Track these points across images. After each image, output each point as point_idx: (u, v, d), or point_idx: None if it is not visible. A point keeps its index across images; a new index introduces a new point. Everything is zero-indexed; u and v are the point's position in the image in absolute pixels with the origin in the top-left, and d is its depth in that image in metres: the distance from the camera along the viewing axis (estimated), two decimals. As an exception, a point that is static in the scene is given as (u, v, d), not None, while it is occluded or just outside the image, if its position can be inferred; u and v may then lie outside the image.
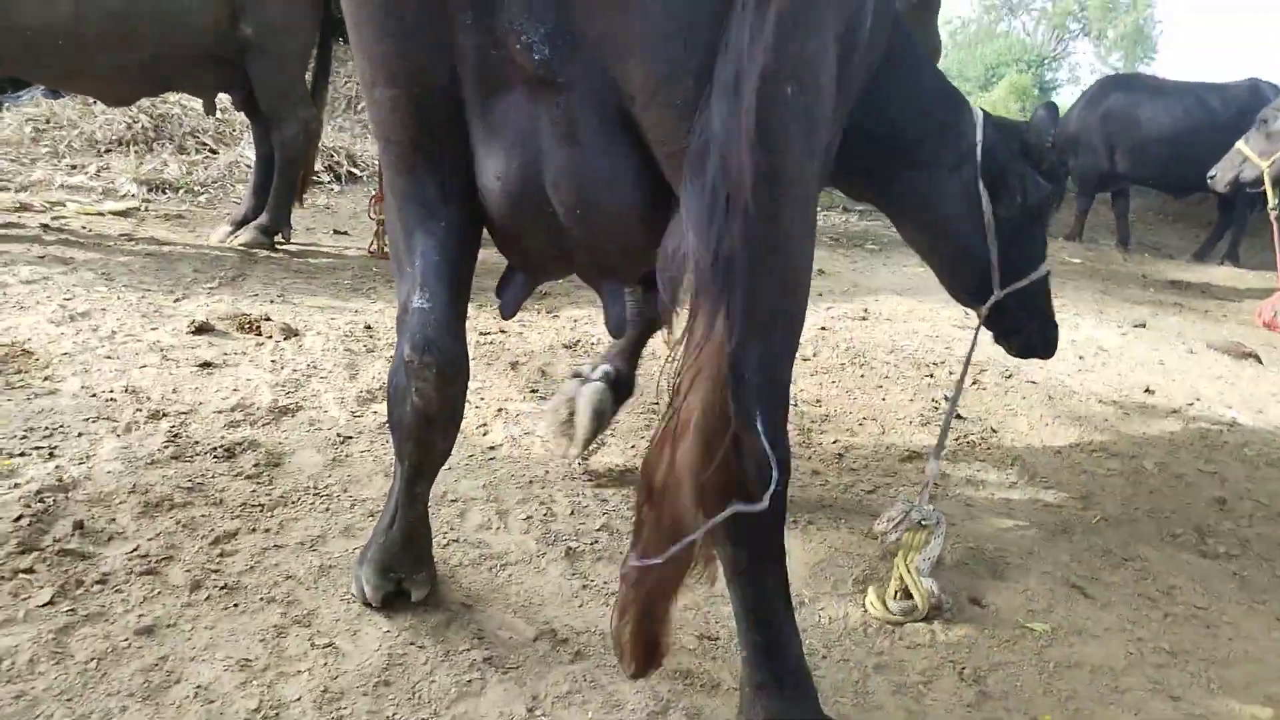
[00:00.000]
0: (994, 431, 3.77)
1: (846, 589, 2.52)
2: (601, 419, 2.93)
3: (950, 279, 3.41)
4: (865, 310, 5.68)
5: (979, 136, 3.15)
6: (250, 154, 6.90)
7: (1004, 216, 3.19)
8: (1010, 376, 4.54)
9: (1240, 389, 4.87)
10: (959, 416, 3.92)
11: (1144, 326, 6.14)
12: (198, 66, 5.39)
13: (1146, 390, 4.56)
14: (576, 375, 3.08)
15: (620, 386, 3.00)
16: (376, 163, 7.66)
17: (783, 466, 1.54)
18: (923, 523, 2.58)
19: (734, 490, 1.43)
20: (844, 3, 1.70)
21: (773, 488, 1.48)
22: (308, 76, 6.00)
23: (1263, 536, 3.11)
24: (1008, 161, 3.18)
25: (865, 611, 2.41)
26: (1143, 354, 5.35)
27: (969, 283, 3.32)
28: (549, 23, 1.48)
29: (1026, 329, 3.38)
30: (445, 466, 2.79)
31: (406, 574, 2.13)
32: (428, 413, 1.84)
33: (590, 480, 2.92)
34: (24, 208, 5.74)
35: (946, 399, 3.96)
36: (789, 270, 1.60)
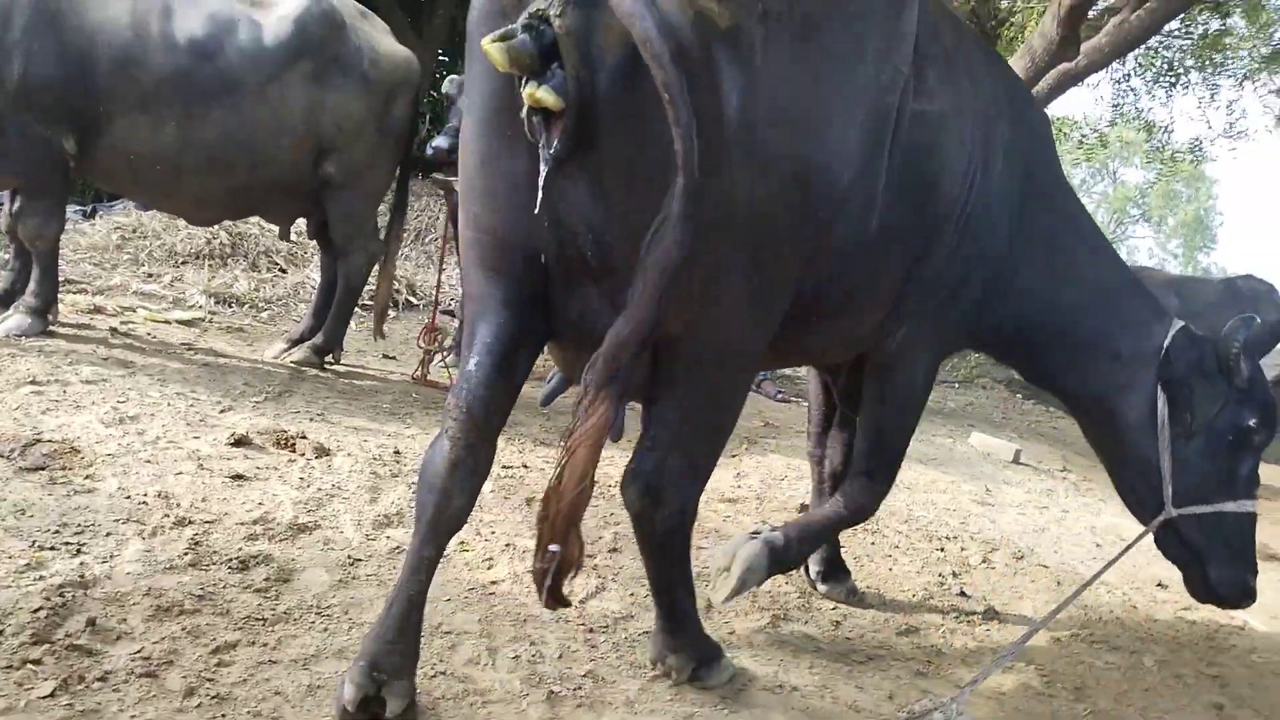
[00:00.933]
0: (996, 613, 3.76)
1: (821, 761, 2.53)
2: (750, 577, 2.97)
3: (1117, 481, 3.38)
4: (886, 477, 5.73)
5: (1166, 341, 3.15)
6: (316, 276, 7.32)
7: (1183, 430, 3.11)
8: (1022, 559, 4.54)
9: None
10: (963, 594, 3.93)
11: (1170, 518, 6.07)
12: (280, 197, 5.83)
13: (1159, 584, 4.51)
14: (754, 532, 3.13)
15: (781, 557, 3.03)
16: (431, 293, 8.02)
17: (685, 514, 2.54)
18: None
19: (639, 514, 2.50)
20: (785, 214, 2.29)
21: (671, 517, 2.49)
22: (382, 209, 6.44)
23: (1260, 749, 3.05)
24: (1192, 372, 3.12)
25: (835, 786, 2.42)
26: (1164, 546, 5.28)
27: (1135, 491, 3.29)
28: (594, 232, 2.13)
29: (1203, 564, 3.20)
30: (445, 597, 2.93)
31: (389, 677, 2.19)
32: (451, 456, 2.20)
33: (584, 625, 2.99)
34: (97, 310, 6.14)
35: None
36: (713, 407, 2.48)
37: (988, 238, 3.06)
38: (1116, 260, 3.45)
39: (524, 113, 2.00)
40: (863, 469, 3.21)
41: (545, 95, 1.92)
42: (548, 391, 3.15)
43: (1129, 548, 3.28)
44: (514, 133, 2.07)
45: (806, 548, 3.20)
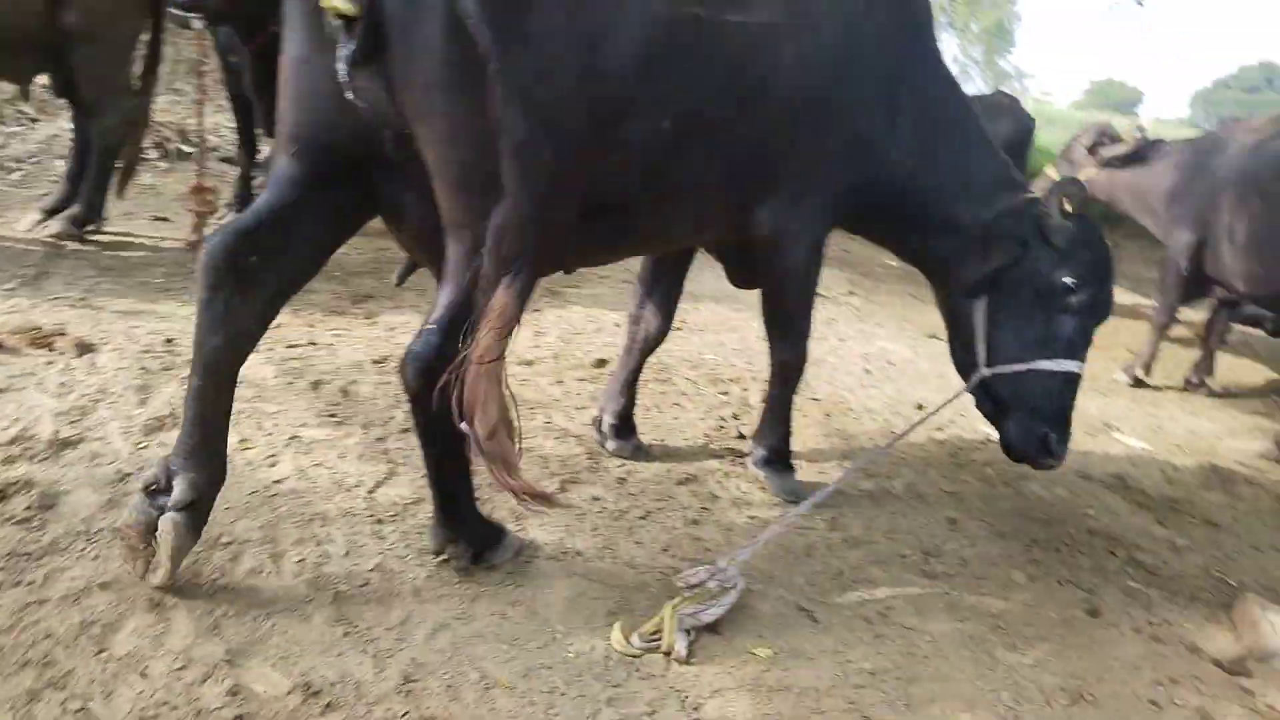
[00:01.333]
0: (768, 452, 4.09)
1: (599, 622, 2.75)
2: (795, 497, 3.66)
3: (950, 346, 3.64)
4: (683, 321, 5.92)
5: (1005, 206, 3.36)
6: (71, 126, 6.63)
7: (1002, 292, 3.31)
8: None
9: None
10: (741, 436, 4.24)
11: (936, 337, 6.60)
12: (12, 53, 5.17)
13: (918, 406, 4.99)
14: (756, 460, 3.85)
15: (778, 459, 3.84)
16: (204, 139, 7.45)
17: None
18: (722, 585, 2.86)
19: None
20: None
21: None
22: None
23: (981, 556, 3.54)
24: (1013, 236, 3.29)
25: (609, 644, 2.65)
26: (927, 368, 5.81)
27: (959, 353, 3.54)
28: (391, 129, 2.41)
29: (1012, 421, 3.37)
30: (225, 505, 2.92)
31: (178, 468, 2.49)
32: (201, 285, 2.46)
33: (372, 516, 3.07)
34: None
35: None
36: None
37: (858, 126, 3.30)
38: (979, 137, 3.63)
39: (325, 19, 2.27)
40: (775, 335, 3.64)
41: (341, 3, 2.22)
42: (401, 270, 3.34)
43: (942, 406, 3.62)
44: (321, 40, 2.35)
45: (781, 431, 3.79)
